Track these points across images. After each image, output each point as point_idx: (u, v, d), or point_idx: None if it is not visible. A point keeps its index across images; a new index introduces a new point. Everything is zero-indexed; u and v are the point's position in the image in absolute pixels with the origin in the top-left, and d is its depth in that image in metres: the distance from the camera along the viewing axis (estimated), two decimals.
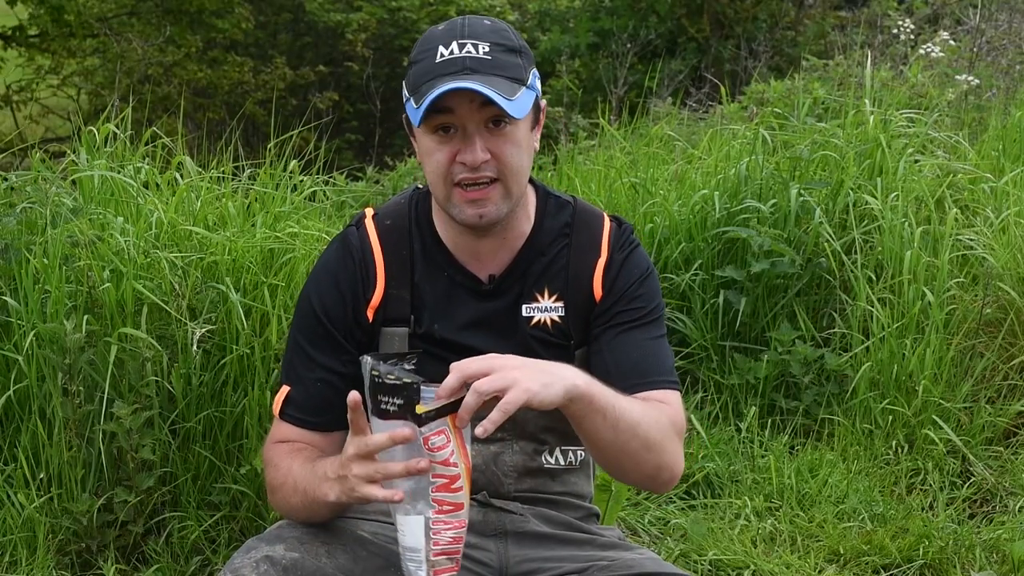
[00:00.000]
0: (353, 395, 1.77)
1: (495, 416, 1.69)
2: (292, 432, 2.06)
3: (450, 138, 1.92)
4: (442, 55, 1.90)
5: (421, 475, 1.76)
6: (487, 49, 1.90)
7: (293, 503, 1.97)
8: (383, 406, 1.75)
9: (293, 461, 1.99)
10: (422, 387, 1.74)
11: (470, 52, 1.90)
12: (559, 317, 2.07)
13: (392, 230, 2.08)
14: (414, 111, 1.91)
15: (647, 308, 2.07)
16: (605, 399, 1.83)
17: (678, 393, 2.04)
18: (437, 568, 1.78)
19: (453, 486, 1.77)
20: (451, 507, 1.77)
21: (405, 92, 1.96)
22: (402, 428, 1.73)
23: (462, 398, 1.73)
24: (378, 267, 2.06)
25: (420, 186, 2.16)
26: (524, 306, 2.07)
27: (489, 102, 1.87)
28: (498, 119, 1.92)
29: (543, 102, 2.02)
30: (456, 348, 2.02)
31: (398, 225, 2.09)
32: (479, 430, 1.69)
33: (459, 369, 1.73)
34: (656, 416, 1.93)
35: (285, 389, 2.07)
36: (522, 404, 1.70)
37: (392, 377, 1.74)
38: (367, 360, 1.76)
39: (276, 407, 2.07)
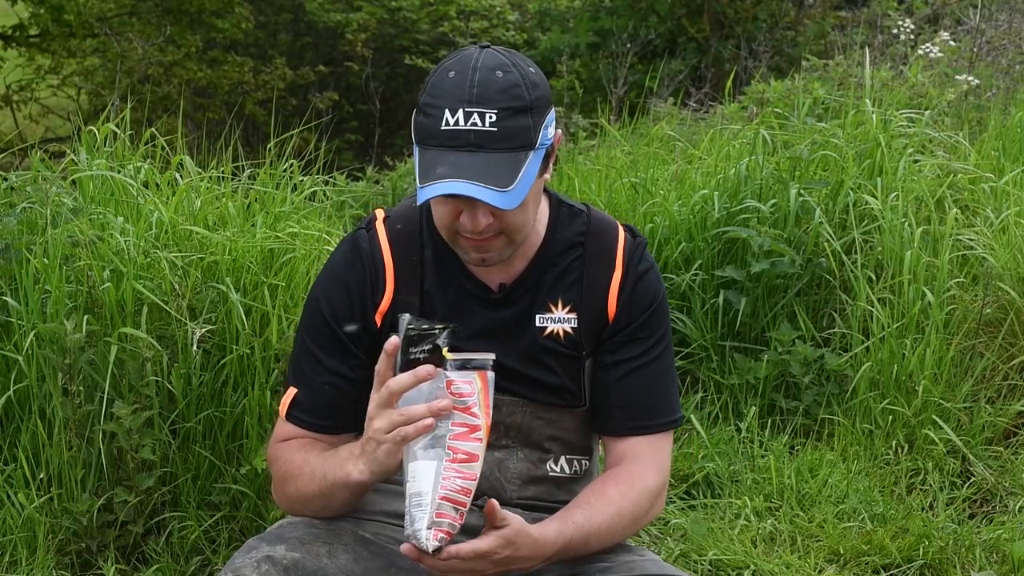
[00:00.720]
0: (392, 339, 1.80)
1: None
2: (297, 434, 2.06)
3: (455, 199, 1.90)
4: (447, 123, 1.85)
5: (442, 417, 1.78)
6: (493, 119, 1.85)
7: (309, 492, 1.97)
8: (411, 356, 1.79)
9: (309, 452, 2.00)
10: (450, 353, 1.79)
11: (475, 124, 1.85)
12: (572, 328, 2.08)
13: (403, 235, 2.07)
14: (419, 183, 1.88)
15: (655, 337, 2.10)
16: (575, 546, 1.95)
17: (672, 433, 2.13)
18: (440, 512, 1.77)
19: (472, 435, 1.79)
20: (465, 456, 1.79)
21: (413, 131, 1.92)
22: (440, 402, 1.78)
23: (493, 360, 1.81)
24: (388, 272, 2.05)
25: None
26: (538, 316, 2.07)
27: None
28: None
29: (559, 132, 1.99)
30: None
31: (409, 230, 2.08)
32: None
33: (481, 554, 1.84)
34: (633, 513, 2.03)
35: (292, 391, 2.06)
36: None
37: (425, 327, 1.79)
38: (405, 317, 1.81)
39: (282, 408, 2.07)
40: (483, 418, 1.80)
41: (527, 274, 2.07)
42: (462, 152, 1.85)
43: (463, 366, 1.80)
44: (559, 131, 2.01)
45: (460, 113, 1.85)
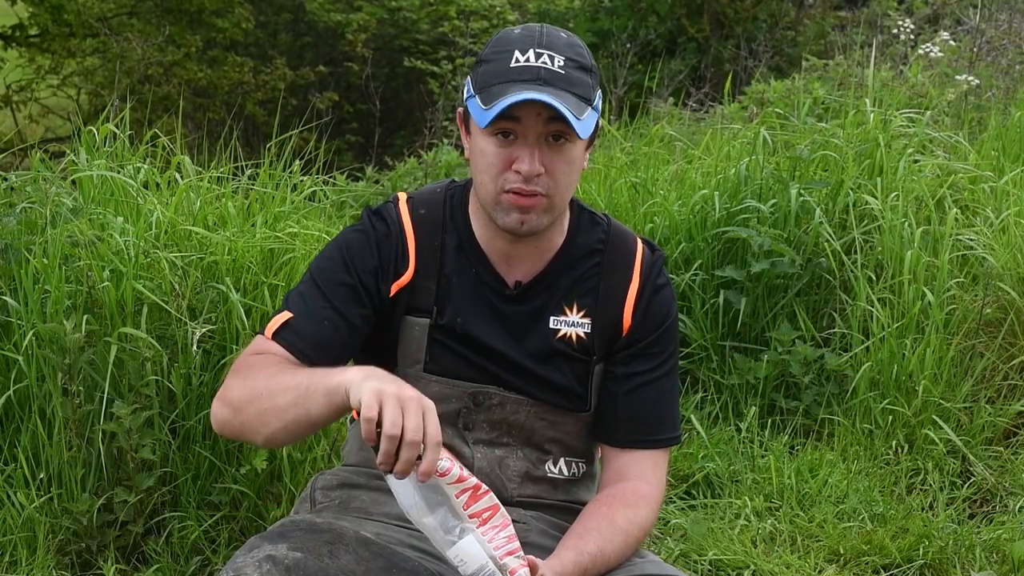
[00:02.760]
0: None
1: None
2: (280, 353, 1.96)
3: (509, 144, 1.92)
4: (517, 60, 1.90)
5: (441, 503, 1.75)
6: (562, 63, 1.90)
7: (279, 402, 1.82)
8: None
9: (280, 366, 1.89)
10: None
11: (546, 63, 1.90)
12: (585, 333, 2.08)
13: (426, 220, 2.07)
14: (480, 111, 1.90)
15: (666, 353, 2.11)
16: (587, 574, 1.94)
17: (668, 452, 2.14)
18: (511, 568, 1.80)
19: (479, 493, 1.78)
20: (489, 512, 1.79)
21: (469, 88, 1.96)
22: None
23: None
24: (410, 250, 2.05)
25: (456, 180, 2.16)
26: (552, 318, 2.07)
27: (556, 117, 1.88)
28: (559, 135, 1.92)
29: (601, 120, 2.03)
30: (475, 345, 2.03)
31: (432, 216, 2.08)
32: None
33: None
34: (638, 538, 2.03)
35: (286, 315, 1.97)
36: None
37: None
38: None
39: (269, 329, 1.97)
40: (472, 475, 1.78)
41: (544, 275, 2.07)
42: (533, 84, 1.88)
43: None
44: (601, 122, 2.04)
45: (531, 52, 1.91)
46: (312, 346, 1.96)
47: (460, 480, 1.76)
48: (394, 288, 2.04)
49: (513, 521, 2.05)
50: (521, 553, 1.81)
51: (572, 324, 2.08)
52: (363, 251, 2.03)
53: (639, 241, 2.14)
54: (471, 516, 1.78)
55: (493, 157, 1.94)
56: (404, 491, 1.75)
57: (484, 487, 1.79)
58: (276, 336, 1.96)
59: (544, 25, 1.97)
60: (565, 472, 2.13)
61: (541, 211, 1.97)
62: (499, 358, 2.05)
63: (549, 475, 2.12)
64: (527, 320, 2.06)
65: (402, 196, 2.11)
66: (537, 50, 1.91)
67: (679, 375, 2.20)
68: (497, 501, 1.81)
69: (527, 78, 1.89)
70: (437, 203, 2.09)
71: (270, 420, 1.84)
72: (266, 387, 1.85)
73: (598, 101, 1.97)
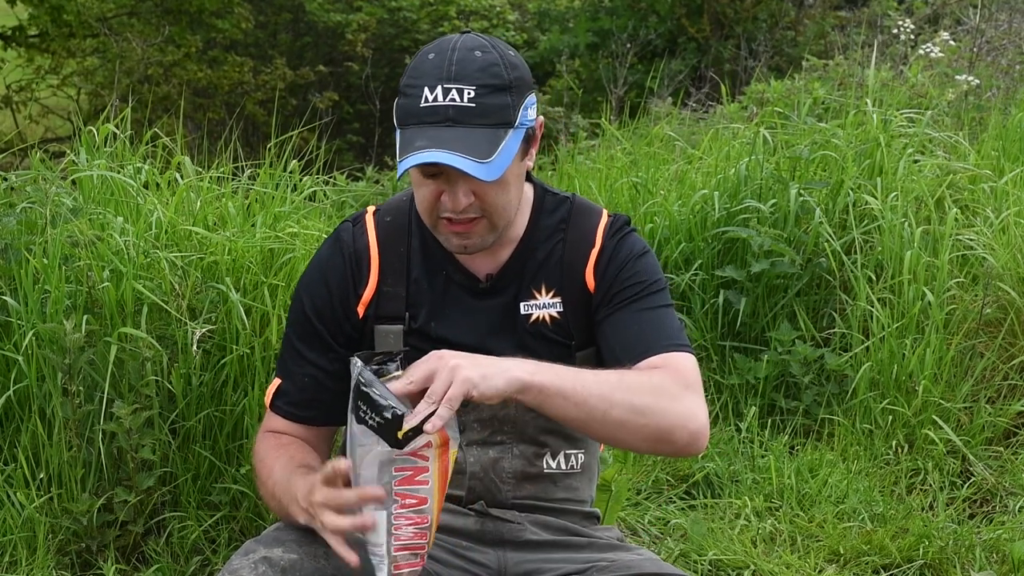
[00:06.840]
0: (341, 463, 1.76)
1: (442, 412, 1.69)
2: (281, 424, 2.09)
3: (435, 177, 1.91)
4: (426, 100, 1.86)
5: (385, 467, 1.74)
6: (472, 95, 1.85)
7: (271, 505, 2.02)
8: (362, 414, 1.72)
9: (276, 462, 2.00)
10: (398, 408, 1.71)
11: (454, 100, 1.85)
12: (557, 313, 2.06)
13: (391, 227, 2.08)
14: (398, 159, 1.88)
15: (644, 283, 2.05)
16: (561, 381, 1.81)
17: (684, 354, 1.97)
18: (398, 563, 1.77)
19: (417, 478, 1.74)
20: (415, 501, 1.75)
21: (394, 114, 1.93)
22: (374, 488, 1.73)
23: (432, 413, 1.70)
24: (372, 263, 2.06)
25: None
26: (522, 304, 2.06)
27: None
28: None
29: (540, 118, 1.99)
30: (452, 347, 2.01)
31: (397, 222, 2.09)
32: (428, 426, 1.69)
33: (409, 376, 1.74)
34: (641, 380, 1.89)
35: (277, 382, 2.10)
36: (464, 396, 1.71)
37: (378, 395, 1.70)
38: (357, 363, 1.74)
39: (267, 398, 2.11)
40: (431, 461, 1.73)
41: (511, 262, 2.07)
42: (441, 127, 1.85)
43: (413, 436, 1.69)
44: (541, 117, 2.00)
45: (439, 89, 1.86)
46: (302, 406, 2.07)
47: (413, 454, 1.71)
48: (360, 308, 2.06)
49: (508, 523, 2.05)
50: (423, 553, 1.77)
51: (543, 306, 2.07)
52: (319, 293, 2.06)
53: (604, 213, 2.12)
54: (397, 494, 1.74)
55: (423, 190, 1.94)
56: (366, 469, 1.74)
57: (426, 476, 1.73)
58: (273, 407, 2.10)
59: (459, 43, 1.90)
60: (563, 465, 2.12)
61: (483, 231, 1.96)
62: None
63: (547, 470, 2.10)
64: (502, 311, 2.06)
65: (370, 208, 2.13)
66: (445, 85, 1.86)
67: (675, 313, 2.08)
68: (429, 497, 1.74)
69: (435, 120, 1.85)
70: (403, 209, 2.10)
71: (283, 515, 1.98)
72: (265, 499, 2.04)
73: (524, 113, 1.91)
